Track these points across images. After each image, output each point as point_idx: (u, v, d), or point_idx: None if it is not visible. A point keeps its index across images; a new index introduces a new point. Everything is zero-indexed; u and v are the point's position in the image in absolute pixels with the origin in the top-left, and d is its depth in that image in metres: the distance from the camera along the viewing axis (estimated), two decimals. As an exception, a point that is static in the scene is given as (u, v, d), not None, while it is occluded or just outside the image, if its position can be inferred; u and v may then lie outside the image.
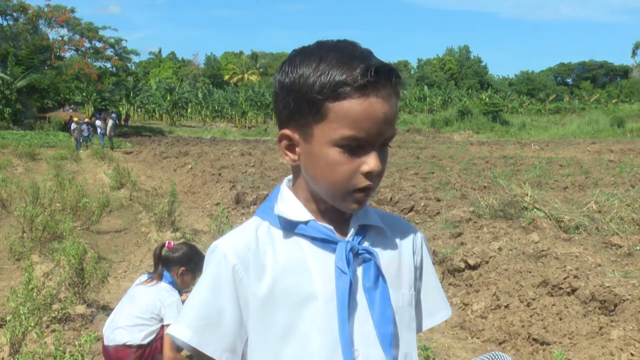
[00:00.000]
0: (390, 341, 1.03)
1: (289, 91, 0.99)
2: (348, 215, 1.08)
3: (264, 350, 1.01)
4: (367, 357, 1.02)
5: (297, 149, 1.02)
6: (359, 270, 1.04)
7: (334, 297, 1.01)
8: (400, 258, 1.12)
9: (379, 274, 1.04)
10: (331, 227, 1.04)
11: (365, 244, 1.06)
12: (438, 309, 1.20)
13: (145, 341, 3.12)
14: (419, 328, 1.17)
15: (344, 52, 0.97)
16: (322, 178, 1.00)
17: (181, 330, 1.01)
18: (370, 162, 0.97)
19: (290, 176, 1.11)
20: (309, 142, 0.99)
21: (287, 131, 1.02)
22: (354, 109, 0.94)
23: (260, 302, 1.00)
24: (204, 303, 1.01)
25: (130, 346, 3.10)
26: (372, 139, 0.97)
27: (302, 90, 0.97)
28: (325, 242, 1.03)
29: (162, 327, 3.16)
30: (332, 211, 1.05)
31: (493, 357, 2.50)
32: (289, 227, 1.04)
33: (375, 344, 1.03)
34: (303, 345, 1.00)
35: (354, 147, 0.97)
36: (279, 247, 1.03)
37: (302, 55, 1.00)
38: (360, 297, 1.03)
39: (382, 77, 0.95)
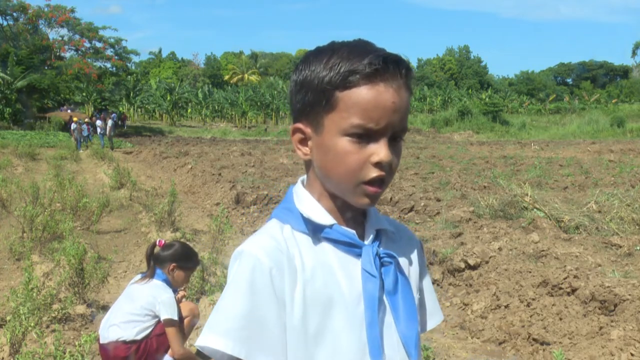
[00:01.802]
0: (414, 343, 1.04)
1: (302, 86, 1.01)
2: (357, 209, 1.07)
3: (296, 354, 0.99)
4: (392, 358, 1.03)
5: (309, 143, 1.03)
6: (381, 274, 1.04)
7: (360, 301, 1.01)
8: (409, 263, 1.14)
9: (398, 277, 1.05)
10: (354, 232, 1.04)
11: (382, 248, 1.07)
12: (433, 313, 1.22)
13: (139, 337, 3.15)
14: (422, 330, 1.18)
15: (355, 47, 0.99)
16: (332, 169, 1.00)
17: (219, 341, 0.96)
18: (380, 152, 0.97)
19: (304, 177, 1.11)
20: (320, 134, 1.00)
21: (299, 125, 1.03)
22: (362, 97, 0.95)
23: (294, 306, 0.99)
24: (243, 312, 0.97)
25: (124, 342, 3.12)
26: (382, 129, 0.96)
27: (313, 83, 0.98)
28: (349, 246, 1.03)
29: (158, 323, 3.18)
30: (347, 209, 1.05)
31: None
32: (314, 231, 1.03)
33: (399, 346, 1.04)
34: (333, 349, 1.00)
35: (363, 137, 0.96)
36: (305, 251, 1.02)
37: (315, 53, 1.02)
38: (384, 300, 1.04)
39: (390, 66, 0.96)
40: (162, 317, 3.12)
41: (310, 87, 0.99)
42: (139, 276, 3.34)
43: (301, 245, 1.02)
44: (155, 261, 3.29)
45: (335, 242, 1.03)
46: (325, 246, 1.03)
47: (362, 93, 0.95)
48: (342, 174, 0.99)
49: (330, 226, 1.03)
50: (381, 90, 0.95)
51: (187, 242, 3.57)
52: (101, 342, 3.19)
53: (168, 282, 3.26)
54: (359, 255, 1.03)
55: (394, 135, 0.99)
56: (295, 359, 0.99)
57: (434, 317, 1.22)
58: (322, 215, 1.03)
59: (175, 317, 3.13)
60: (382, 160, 0.97)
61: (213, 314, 1.00)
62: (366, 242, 1.05)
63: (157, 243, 3.34)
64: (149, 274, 3.27)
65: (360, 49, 0.98)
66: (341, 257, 1.03)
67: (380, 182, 0.99)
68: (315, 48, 1.04)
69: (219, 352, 0.96)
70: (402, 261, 1.10)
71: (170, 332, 3.11)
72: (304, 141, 1.04)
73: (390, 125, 0.97)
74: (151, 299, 3.14)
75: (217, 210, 7.92)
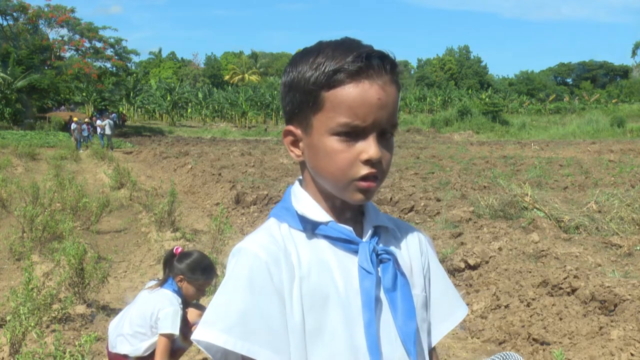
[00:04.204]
0: (413, 340, 1.03)
1: (290, 88, 1.02)
2: (354, 208, 1.07)
3: (295, 351, 0.99)
4: (390, 355, 1.02)
5: (301, 144, 1.04)
6: (378, 271, 1.04)
7: (356, 297, 1.01)
8: (411, 259, 1.13)
9: (397, 273, 1.05)
10: (350, 228, 1.04)
11: (380, 245, 1.07)
12: (454, 309, 1.19)
13: (147, 353, 3.02)
14: (438, 333, 1.16)
15: (340, 46, 0.99)
16: (323, 169, 1.00)
17: (219, 337, 0.95)
18: (369, 149, 0.97)
19: (301, 177, 1.11)
20: (310, 135, 1.01)
21: (290, 127, 1.04)
22: (347, 95, 0.95)
23: (292, 301, 0.99)
24: (244, 307, 0.96)
25: (135, 358, 3.02)
26: (369, 126, 0.97)
27: (300, 84, 0.99)
28: (346, 243, 1.04)
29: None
30: (344, 208, 1.05)
31: (505, 357, 2.48)
32: (310, 228, 1.04)
33: (397, 343, 1.03)
34: (330, 346, 0.99)
35: (351, 135, 0.97)
36: (301, 248, 1.02)
37: (302, 54, 1.02)
38: (382, 296, 1.03)
39: (374, 62, 0.96)
40: (161, 331, 2.96)
41: (297, 88, 1.00)
42: (152, 282, 3.21)
43: (298, 242, 1.03)
44: (169, 270, 3.16)
45: (331, 239, 1.03)
46: (322, 243, 1.03)
47: (347, 91, 0.95)
48: (334, 172, 0.99)
49: (326, 223, 1.03)
50: (366, 87, 0.95)
51: (204, 253, 3.40)
52: (110, 349, 3.11)
53: (179, 293, 3.11)
54: (356, 252, 1.03)
55: (383, 131, 0.99)
56: (293, 355, 0.98)
57: (454, 314, 1.18)
58: (318, 213, 1.04)
59: (173, 332, 2.97)
60: (371, 157, 0.97)
61: (210, 309, 0.99)
62: (364, 239, 1.05)
63: (174, 251, 3.19)
64: (160, 282, 3.14)
65: (344, 47, 0.98)
66: (338, 254, 1.03)
67: (373, 178, 0.99)
68: (303, 49, 1.04)
69: (215, 347, 0.96)
70: (402, 257, 1.09)
71: (162, 342, 2.97)
72: (295, 143, 1.04)
73: (377, 122, 0.97)
74: (155, 310, 3.00)
75: (217, 210, 7.92)
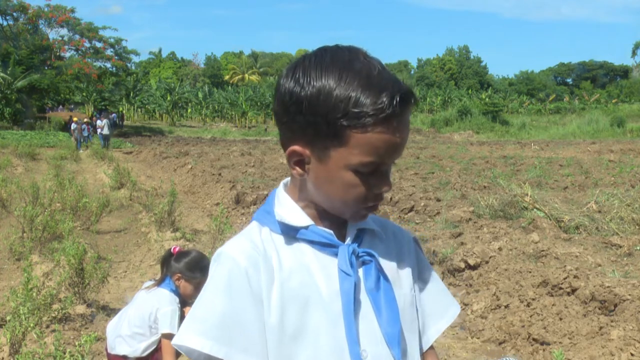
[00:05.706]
0: (397, 340, 1.04)
1: (306, 108, 0.95)
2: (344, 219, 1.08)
3: (277, 353, 1.00)
4: (375, 356, 1.03)
5: (307, 166, 1.01)
6: (360, 272, 1.05)
7: (338, 299, 1.01)
8: (397, 260, 1.13)
9: (380, 275, 1.05)
10: (331, 231, 1.05)
11: (361, 248, 1.07)
12: (446, 308, 1.20)
13: (145, 354, 3.02)
14: (433, 333, 1.17)
15: (362, 71, 0.95)
16: (335, 196, 1.01)
17: (197, 341, 0.96)
18: (384, 183, 1.01)
19: (287, 180, 1.11)
20: (324, 163, 0.98)
21: (297, 148, 0.99)
22: (376, 139, 0.94)
23: (271, 305, 1.00)
24: (222, 312, 0.98)
25: (134, 359, 3.02)
26: (388, 162, 0.99)
27: (320, 111, 0.94)
28: (326, 246, 1.04)
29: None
30: (330, 215, 1.06)
31: None
32: (290, 232, 1.04)
33: (382, 344, 1.04)
34: (313, 347, 1.00)
35: (369, 170, 0.98)
36: (282, 252, 1.03)
37: (318, 69, 0.96)
38: (364, 298, 1.04)
39: (403, 105, 0.95)
40: (161, 331, 2.97)
41: (316, 113, 0.94)
42: (149, 282, 3.20)
43: (279, 246, 1.04)
44: (166, 269, 3.18)
45: (312, 242, 1.04)
46: (304, 247, 1.04)
47: (377, 135, 0.94)
48: (346, 201, 1.01)
49: (307, 227, 1.04)
50: (394, 130, 0.95)
51: (202, 252, 3.40)
52: (109, 351, 3.11)
53: (177, 292, 3.10)
54: (337, 255, 1.04)
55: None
56: (275, 358, 1.00)
57: (446, 314, 1.19)
58: (299, 217, 1.04)
59: (172, 331, 2.95)
60: (386, 191, 1.01)
61: (191, 313, 1.00)
62: (346, 242, 1.06)
63: (172, 250, 3.18)
64: (158, 281, 3.16)
65: (367, 75, 0.94)
66: (320, 257, 1.04)
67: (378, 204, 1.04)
68: (314, 58, 0.98)
69: (196, 352, 0.97)
70: (386, 258, 1.10)
71: (166, 344, 2.96)
72: (300, 162, 1.01)
73: (396, 157, 1.00)
74: (154, 310, 2.99)
75: (217, 210, 7.91)
